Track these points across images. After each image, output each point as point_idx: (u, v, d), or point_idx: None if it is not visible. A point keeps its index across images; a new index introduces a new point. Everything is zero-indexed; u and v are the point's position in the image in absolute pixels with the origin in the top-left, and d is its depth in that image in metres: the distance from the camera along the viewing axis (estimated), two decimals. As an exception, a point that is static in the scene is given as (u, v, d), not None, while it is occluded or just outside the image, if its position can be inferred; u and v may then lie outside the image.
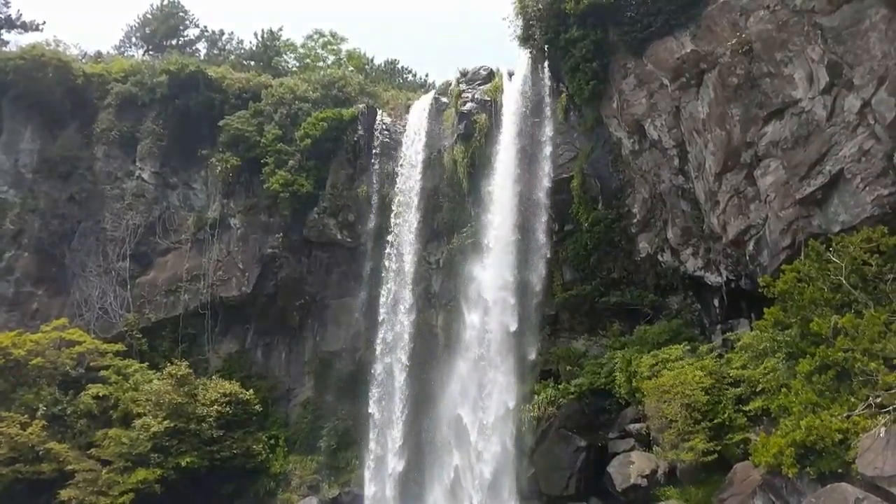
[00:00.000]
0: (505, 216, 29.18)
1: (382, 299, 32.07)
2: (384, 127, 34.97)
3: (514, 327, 28.15)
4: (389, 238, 32.49)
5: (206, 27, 49.14)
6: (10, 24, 41.73)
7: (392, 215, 32.71)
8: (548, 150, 29.47)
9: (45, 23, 42.63)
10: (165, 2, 47.78)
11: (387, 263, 32.30)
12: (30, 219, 35.52)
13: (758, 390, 21.11)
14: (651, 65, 25.32)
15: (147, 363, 32.46)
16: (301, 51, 48.35)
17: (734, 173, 23.39)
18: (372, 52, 51.48)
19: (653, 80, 25.52)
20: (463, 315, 29.96)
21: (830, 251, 19.64)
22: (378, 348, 31.59)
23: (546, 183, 29.22)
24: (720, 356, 23.82)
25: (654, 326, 26.82)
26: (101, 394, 30.06)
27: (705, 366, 22.98)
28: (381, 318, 31.91)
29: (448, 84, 34.67)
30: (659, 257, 27.59)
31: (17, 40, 41.17)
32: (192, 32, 48.77)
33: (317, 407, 33.61)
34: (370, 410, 30.91)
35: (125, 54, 45.94)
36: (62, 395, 29.87)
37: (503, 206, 29.27)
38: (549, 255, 29.18)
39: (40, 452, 27.77)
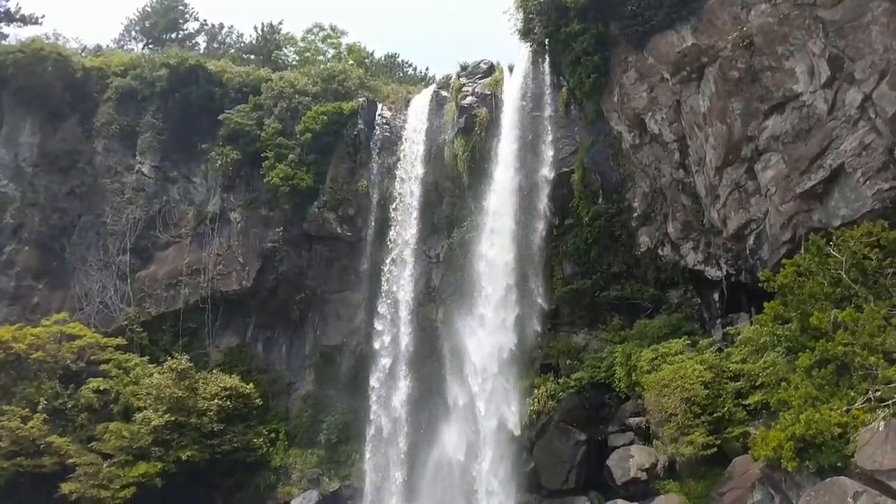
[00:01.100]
0: (505, 210, 29.18)
1: (383, 293, 32.10)
2: (384, 121, 34.92)
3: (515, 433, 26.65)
4: (390, 232, 32.53)
5: (205, 21, 49.22)
6: (9, 17, 41.55)
7: (392, 209, 32.74)
8: (548, 144, 29.42)
9: (44, 16, 42.92)
10: (165, -5, 47.68)
11: (387, 257, 32.33)
12: (30, 213, 35.51)
13: (757, 384, 21.10)
14: (652, 58, 25.26)
15: (147, 357, 32.52)
16: (301, 44, 48.30)
17: (735, 167, 23.36)
18: (372, 46, 51.37)
19: (653, 74, 25.47)
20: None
21: (831, 245, 19.62)
22: (378, 342, 31.64)
23: (546, 177, 29.18)
24: (720, 350, 23.81)
25: (654, 321, 26.84)
26: (101, 388, 30.15)
27: (705, 360, 22.97)
28: (381, 312, 31.96)
29: (448, 78, 34.57)
30: (659, 251, 27.57)
31: (17, 34, 41.08)
32: (191, 26, 48.82)
33: (317, 401, 33.67)
34: (370, 406, 30.99)
35: (125, 48, 45.93)
36: (63, 388, 29.92)
37: (503, 201, 29.26)
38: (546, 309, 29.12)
39: (41, 446, 27.85)
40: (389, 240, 32.41)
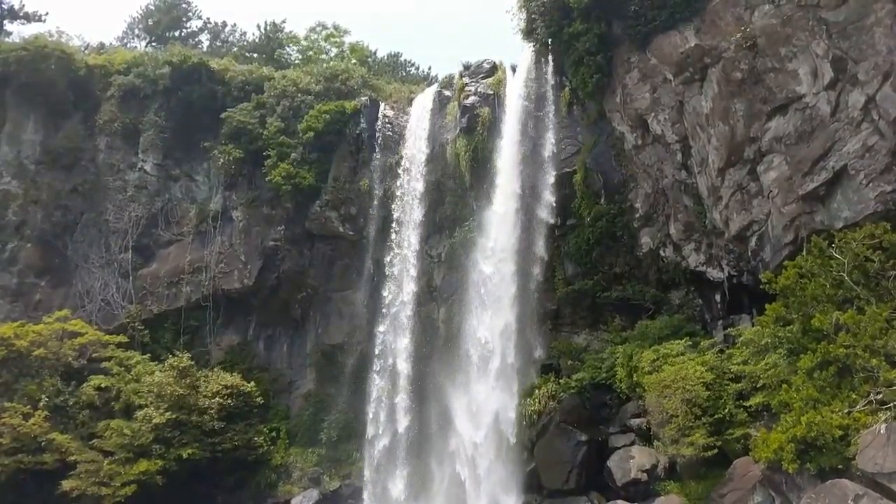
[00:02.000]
0: (507, 211, 29.13)
1: (384, 292, 32.14)
2: (387, 120, 34.87)
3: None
4: (391, 231, 32.50)
5: (208, 19, 49.39)
6: (12, 14, 41.70)
7: (394, 209, 32.71)
8: (550, 144, 29.41)
9: (47, 13, 42.67)
10: (168, -7, 47.76)
11: (389, 257, 32.33)
12: (33, 210, 35.52)
13: (759, 386, 21.09)
14: (655, 59, 25.24)
15: (149, 355, 32.58)
16: (304, 43, 48.26)
17: (737, 168, 23.35)
18: (375, 45, 51.45)
19: (656, 75, 25.45)
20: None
21: (833, 247, 19.62)
22: (379, 341, 31.66)
23: (549, 177, 29.16)
24: (721, 351, 23.79)
25: (656, 321, 26.80)
26: (103, 385, 30.16)
27: (706, 361, 22.97)
28: (382, 312, 31.99)
29: (451, 78, 34.48)
30: (661, 252, 27.56)
31: (20, 31, 41.58)
32: (194, 24, 48.97)
33: (318, 399, 33.72)
34: (370, 404, 31.02)
35: (128, 46, 45.98)
36: (64, 386, 29.93)
37: (505, 201, 29.23)
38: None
39: (43, 443, 27.87)
40: (391, 239, 32.39)
